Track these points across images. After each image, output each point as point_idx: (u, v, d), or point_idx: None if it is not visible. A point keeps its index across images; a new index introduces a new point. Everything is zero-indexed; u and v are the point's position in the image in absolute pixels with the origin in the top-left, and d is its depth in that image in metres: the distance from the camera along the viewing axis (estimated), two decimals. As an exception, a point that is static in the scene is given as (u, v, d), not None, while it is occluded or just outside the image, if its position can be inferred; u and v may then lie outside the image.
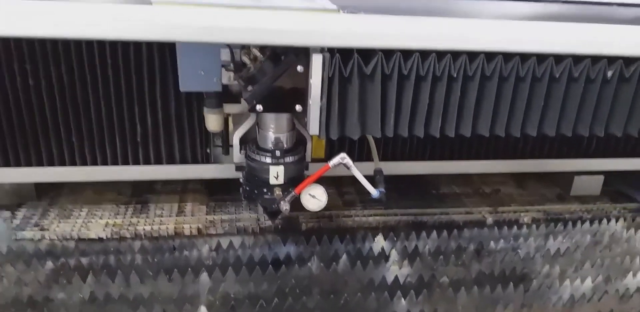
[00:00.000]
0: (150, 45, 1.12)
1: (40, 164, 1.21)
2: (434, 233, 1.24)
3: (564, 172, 1.53)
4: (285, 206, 1.02)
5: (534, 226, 1.31)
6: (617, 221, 1.37)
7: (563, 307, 0.99)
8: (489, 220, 1.34)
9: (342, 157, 1.01)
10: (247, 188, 1.10)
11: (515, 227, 1.31)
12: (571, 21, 1.04)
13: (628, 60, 1.05)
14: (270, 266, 1.04)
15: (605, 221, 1.37)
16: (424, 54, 0.97)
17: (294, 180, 1.06)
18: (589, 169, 1.53)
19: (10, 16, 0.80)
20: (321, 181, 1.08)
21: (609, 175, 1.55)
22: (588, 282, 1.05)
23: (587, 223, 1.35)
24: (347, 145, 1.31)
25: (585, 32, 1.03)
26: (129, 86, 1.15)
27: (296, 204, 1.08)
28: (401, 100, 1.00)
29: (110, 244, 1.15)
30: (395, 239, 1.22)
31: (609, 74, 1.06)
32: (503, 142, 1.43)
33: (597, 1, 1.58)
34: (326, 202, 1.06)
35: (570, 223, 1.34)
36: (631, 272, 1.10)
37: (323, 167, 1.01)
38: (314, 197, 1.04)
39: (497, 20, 1.06)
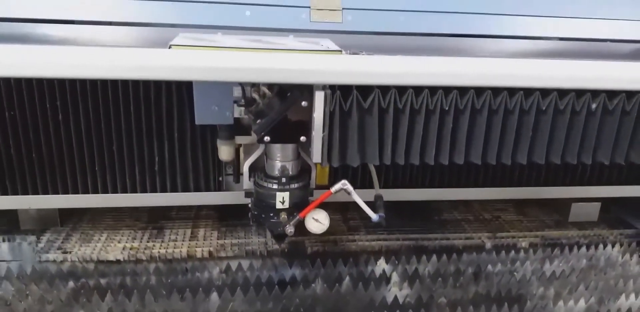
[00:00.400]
0: (168, 83, 1.23)
1: (65, 191, 1.30)
2: (434, 257, 1.29)
3: (562, 199, 1.59)
4: (290, 229, 1.10)
5: (531, 251, 1.36)
6: (613, 246, 1.41)
7: (556, 327, 1.04)
8: (488, 245, 1.39)
9: (343, 184, 1.09)
10: (255, 213, 1.18)
11: (512, 251, 1.36)
12: (565, 57, 1.13)
13: (611, 94, 1.13)
14: (277, 286, 1.11)
15: (601, 246, 1.41)
16: (418, 89, 1.06)
17: (299, 205, 1.14)
18: (587, 196, 1.58)
19: (47, 60, 0.90)
20: (328, 207, 1.16)
21: (606, 202, 1.60)
22: (581, 303, 1.10)
23: (584, 248, 1.39)
24: (350, 173, 1.39)
25: (569, 68, 1.11)
26: (149, 120, 1.26)
27: (302, 229, 1.15)
28: (397, 132, 1.08)
29: (127, 266, 1.23)
30: (396, 262, 1.27)
31: (593, 106, 1.14)
32: (502, 170, 1.49)
33: (591, 38, 1.67)
34: (328, 226, 1.13)
35: (567, 248, 1.39)
36: (624, 294, 1.14)
37: (325, 193, 1.09)
38: (317, 221, 1.11)
39: (485, 58, 1.16)
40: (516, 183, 1.52)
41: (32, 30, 1.37)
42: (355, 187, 1.14)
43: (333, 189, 1.09)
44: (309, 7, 1.49)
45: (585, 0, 1.63)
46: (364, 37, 1.55)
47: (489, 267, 1.26)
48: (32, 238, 1.32)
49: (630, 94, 1.11)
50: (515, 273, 1.24)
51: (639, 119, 1.13)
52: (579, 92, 1.11)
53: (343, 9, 1.52)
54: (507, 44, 1.62)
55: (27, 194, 1.29)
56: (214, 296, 1.08)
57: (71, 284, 1.13)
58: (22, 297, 1.08)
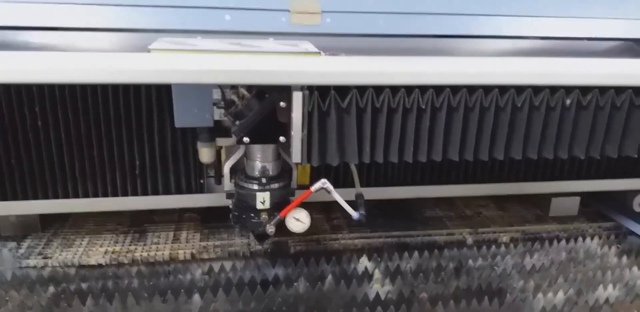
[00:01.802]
0: (148, 87, 1.23)
1: (45, 197, 1.30)
2: (416, 253, 1.31)
3: (542, 194, 1.61)
4: (270, 229, 1.10)
5: (512, 245, 1.38)
6: (592, 239, 1.44)
7: (535, 319, 1.05)
8: (469, 240, 1.41)
9: (323, 182, 1.10)
10: (237, 213, 1.19)
11: (493, 246, 1.38)
12: (544, 56, 1.15)
13: (584, 90, 1.16)
14: (259, 286, 1.11)
15: (580, 239, 1.43)
16: (394, 89, 1.07)
17: (280, 205, 1.15)
18: (567, 191, 1.61)
19: (25, 66, 0.91)
20: (311, 207, 1.17)
21: (586, 196, 1.63)
22: (560, 295, 1.12)
23: (564, 241, 1.42)
24: (333, 173, 1.40)
25: (541, 65, 1.14)
26: (129, 123, 1.26)
27: (286, 229, 1.15)
28: (375, 131, 1.09)
29: (109, 270, 1.22)
30: (379, 259, 1.29)
31: (568, 102, 1.16)
32: (482, 167, 1.51)
33: (568, 36, 1.71)
34: (309, 225, 1.14)
35: (547, 242, 1.41)
36: (602, 285, 1.17)
37: (305, 192, 1.10)
38: (298, 220, 1.12)
39: (459, 57, 1.18)
40: (497, 179, 1.54)
41: (13, 37, 1.36)
42: (337, 187, 1.15)
43: (313, 188, 1.10)
44: (289, 10, 1.50)
45: (561, 0, 1.66)
46: (343, 39, 1.56)
47: (470, 262, 1.28)
48: (13, 244, 1.31)
49: (602, 90, 1.13)
50: (495, 267, 1.25)
51: (612, 113, 1.16)
52: (553, 89, 1.13)
53: (322, 11, 1.53)
54: (486, 43, 1.65)
55: (7, 199, 1.28)
56: (196, 297, 1.08)
57: (52, 289, 1.13)
58: (1, 303, 1.07)
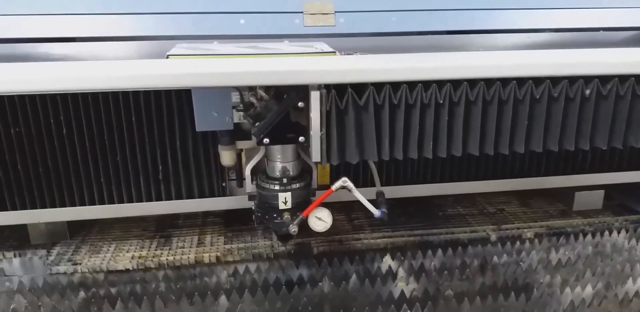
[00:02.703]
0: (168, 92, 1.25)
1: (72, 204, 1.33)
2: (439, 251, 1.30)
3: (566, 188, 1.59)
4: (293, 229, 1.11)
5: (536, 241, 1.36)
6: (619, 233, 1.41)
7: (564, 313, 1.04)
8: (493, 237, 1.40)
9: (344, 181, 1.10)
10: (259, 214, 1.20)
11: (518, 242, 1.36)
12: (560, 49, 1.13)
13: (603, 79, 1.14)
14: (284, 287, 1.12)
15: (607, 232, 1.41)
16: (411, 84, 1.08)
17: (302, 205, 1.16)
18: (590, 184, 1.58)
19: (48, 75, 0.93)
20: (332, 207, 1.17)
21: (609, 188, 1.60)
22: (589, 289, 1.10)
23: (589, 235, 1.39)
24: (352, 172, 1.40)
25: (559, 56, 1.13)
26: (151, 130, 1.28)
27: (308, 230, 1.16)
28: (394, 127, 1.09)
29: (137, 275, 1.24)
30: (402, 258, 1.28)
31: (587, 92, 1.15)
32: (503, 162, 1.50)
33: (583, 27, 1.68)
34: (331, 224, 1.14)
35: (572, 236, 1.39)
36: (631, 279, 1.14)
37: (326, 191, 1.11)
38: (320, 219, 1.13)
39: (476, 52, 1.17)
40: (518, 174, 1.52)
41: (33, 49, 1.40)
42: (357, 186, 1.16)
43: (334, 186, 1.10)
44: (302, 12, 1.51)
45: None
46: (358, 39, 1.56)
47: (495, 258, 1.27)
48: (43, 252, 1.34)
49: (623, 79, 1.12)
50: (521, 263, 1.24)
51: (633, 102, 1.14)
52: (572, 79, 1.12)
53: (335, 12, 1.54)
54: (502, 38, 1.63)
55: (36, 208, 1.31)
56: (223, 299, 1.10)
57: (82, 294, 1.15)
58: (35, 309, 1.10)
